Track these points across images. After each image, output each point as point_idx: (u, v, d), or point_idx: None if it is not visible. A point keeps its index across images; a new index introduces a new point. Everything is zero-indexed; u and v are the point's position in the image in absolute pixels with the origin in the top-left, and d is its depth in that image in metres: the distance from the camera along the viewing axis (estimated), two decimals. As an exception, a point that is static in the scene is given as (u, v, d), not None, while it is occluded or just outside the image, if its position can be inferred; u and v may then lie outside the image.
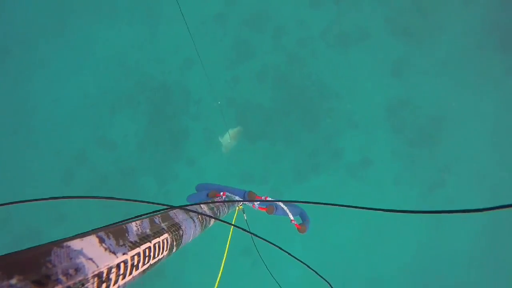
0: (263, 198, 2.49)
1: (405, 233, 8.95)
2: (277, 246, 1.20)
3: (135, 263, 0.76)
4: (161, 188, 9.39)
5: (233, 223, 2.24)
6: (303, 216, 2.83)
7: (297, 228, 2.51)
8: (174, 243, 1.04)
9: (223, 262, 1.85)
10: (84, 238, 0.62)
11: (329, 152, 9.17)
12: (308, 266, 1.25)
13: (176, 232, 1.08)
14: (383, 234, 8.99)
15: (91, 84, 9.83)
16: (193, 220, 1.30)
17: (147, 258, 0.83)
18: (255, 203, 2.46)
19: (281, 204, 2.48)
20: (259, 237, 1.19)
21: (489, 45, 9.16)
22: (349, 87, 9.23)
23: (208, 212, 1.60)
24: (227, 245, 2.04)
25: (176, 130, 9.54)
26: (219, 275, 1.68)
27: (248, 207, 2.70)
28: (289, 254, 1.22)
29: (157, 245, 0.91)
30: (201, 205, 1.62)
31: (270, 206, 2.48)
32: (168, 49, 9.70)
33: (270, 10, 9.52)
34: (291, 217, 2.48)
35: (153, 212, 1.03)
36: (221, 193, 2.52)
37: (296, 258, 1.23)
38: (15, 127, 9.72)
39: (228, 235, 2.14)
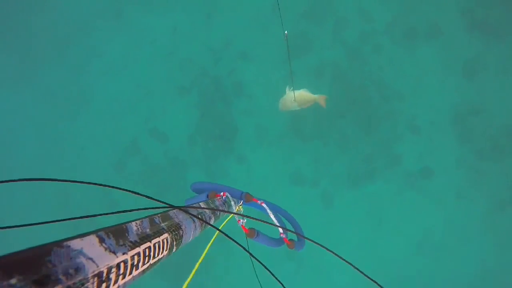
0: (259, 202, 2.35)
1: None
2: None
3: (135, 263, 0.81)
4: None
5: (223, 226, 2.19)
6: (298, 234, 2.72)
7: (286, 243, 2.31)
8: (174, 243, 1.10)
9: (198, 262, 1.66)
10: (84, 238, 0.66)
11: (387, 157, 9.06)
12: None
13: (176, 232, 1.14)
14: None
15: (145, 74, 10.41)
16: (193, 220, 1.36)
17: (147, 258, 0.88)
18: (241, 219, 2.25)
19: (271, 216, 2.32)
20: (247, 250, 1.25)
21: None
22: (414, 88, 8.98)
23: (208, 212, 1.67)
24: (208, 246, 1.86)
25: (227, 125, 9.86)
26: (191, 275, 1.50)
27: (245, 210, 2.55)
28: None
29: (157, 245, 0.96)
30: (201, 204, 1.70)
31: (251, 230, 2.24)
32: (223, 41, 9.98)
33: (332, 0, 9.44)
34: (281, 230, 2.29)
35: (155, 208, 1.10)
36: (221, 193, 2.36)
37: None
38: (72, 116, 10.63)
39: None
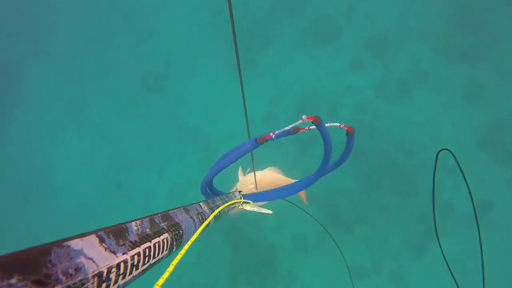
0: (271, 135, 2.60)
1: None
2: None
3: (135, 263, 0.89)
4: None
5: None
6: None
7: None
8: (174, 243, 1.21)
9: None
10: (84, 238, 0.73)
11: (439, 209, 9.72)
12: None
13: (176, 232, 1.24)
14: None
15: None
16: (193, 219, 1.48)
17: (147, 258, 0.97)
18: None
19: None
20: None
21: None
22: (429, 132, 10.17)
23: (208, 212, 1.79)
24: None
25: (262, 246, 10.70)
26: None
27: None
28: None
29: (157, 245, 1.05)
30: (201, 204, 1.80)
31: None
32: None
33: (317, 90, 10.96)
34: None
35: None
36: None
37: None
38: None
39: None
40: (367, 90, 10.74)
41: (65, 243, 0.66)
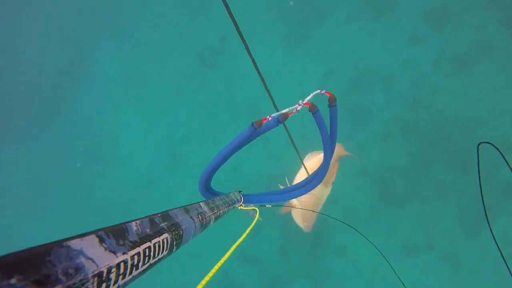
0: (268, 118, 2.74)
1: None
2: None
3: (135, 263, 0.90)
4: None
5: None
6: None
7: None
8: (174, 243, 1.22)
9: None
10: (84, 238, 0.74)
11: (496, 188, 9.48)
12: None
13: (176, 232, 1.25)
14: None
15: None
16: (193, 219, 1.49)
17: (147, 258, 0.98)
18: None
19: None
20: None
21: None
22: (490, 108, 9.77)
23: (208, 212, 1.81)
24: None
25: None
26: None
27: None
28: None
29: (157, 245, 1.05)
30: (201, 204, 1.80)
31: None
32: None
33: (371, 64, 10.83)
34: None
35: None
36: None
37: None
38: None
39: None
40: (424, 64, 10.45)
41: (65, 243, 0.67)
